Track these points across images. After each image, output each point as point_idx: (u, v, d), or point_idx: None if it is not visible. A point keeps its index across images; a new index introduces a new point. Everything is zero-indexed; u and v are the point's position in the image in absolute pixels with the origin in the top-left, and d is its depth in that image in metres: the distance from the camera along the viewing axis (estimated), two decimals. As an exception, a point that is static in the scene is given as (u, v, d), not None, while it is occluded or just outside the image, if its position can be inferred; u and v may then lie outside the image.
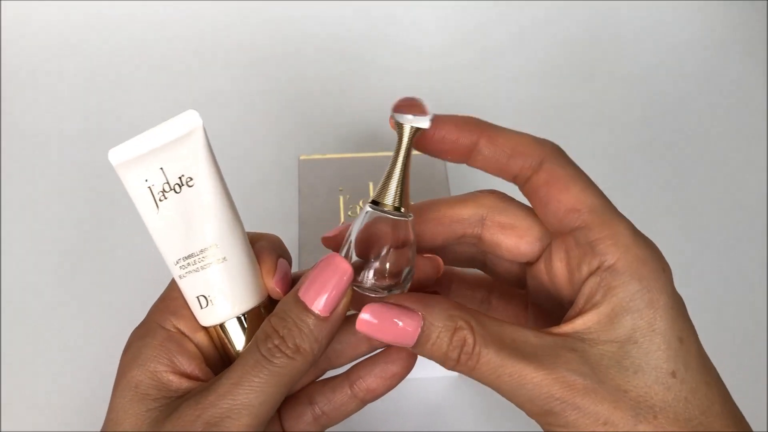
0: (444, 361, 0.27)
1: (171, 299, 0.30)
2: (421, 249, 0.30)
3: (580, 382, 0.25)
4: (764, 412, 0.45)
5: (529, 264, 0.30)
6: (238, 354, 0.30)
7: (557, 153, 0.28)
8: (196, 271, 0.30)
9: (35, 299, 0.52)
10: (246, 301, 0.30)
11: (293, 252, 0.36)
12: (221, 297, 0.30)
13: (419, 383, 0.47)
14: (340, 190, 0.46)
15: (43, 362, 0.49)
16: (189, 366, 0.29)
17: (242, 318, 0.30)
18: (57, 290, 0.52)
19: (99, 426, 0.29)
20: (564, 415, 0.25)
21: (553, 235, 0.29)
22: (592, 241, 0.26)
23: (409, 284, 0.28)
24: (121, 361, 0.29)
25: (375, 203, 0.27)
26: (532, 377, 0.25)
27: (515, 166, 0.28)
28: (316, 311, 0.27)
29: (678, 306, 0.26)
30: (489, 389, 0.46)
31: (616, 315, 0.26)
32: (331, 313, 0.27)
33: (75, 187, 0.58)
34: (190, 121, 0.29)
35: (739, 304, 0.51)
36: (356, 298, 0.28)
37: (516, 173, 0.28)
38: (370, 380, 0.32)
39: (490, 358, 0.25)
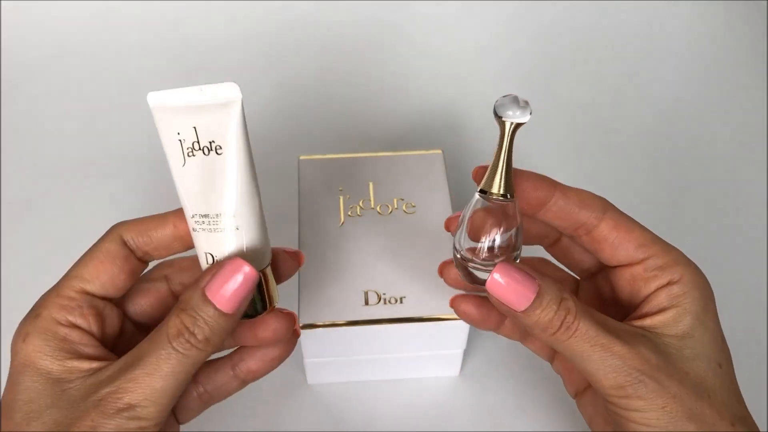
0: (545, 328, 0.30)
1: (62, 295, 0.32)
2: (540, 234, 0.36)
3: (654, 359, 0.30)
4: (764, 412, 0.45)
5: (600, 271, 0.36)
6: None
7: (611, 204, 0.33)
8: (210, 231, 0.31)
9: (35, 298, 0.52)
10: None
11: (293, 252, 0.36)
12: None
13: (419, 383, 0.47)
14: (340, 190, 0.46)
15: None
16: (92, 351, 0.32)
17: None
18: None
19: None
20: (643, 385, 0.29)
21: (613, 267, 0.34)
22: (661, 265, 0.32)
23: (517, 262, 0.32)
24: (21, 350, 0.31)
25: (483, 192, 0.31)
26: (618, 350, 0.30)
27: (584, 216, 0.33)
28: (224, 311, 0.30)
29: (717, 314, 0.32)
30: (488, 390, 0.47)
31: (680, 315, 0.31)
32: (236, 309, 0.31)
33: (75, 187, 0.58)
34: (230, 93, 0.30)
35: (740, 304, 0.51)
36: (469, 276, 0.32)
37: (584, 222, 0.33)
38: (252, 362, 0.35)
39: (588, 329, 0.30)
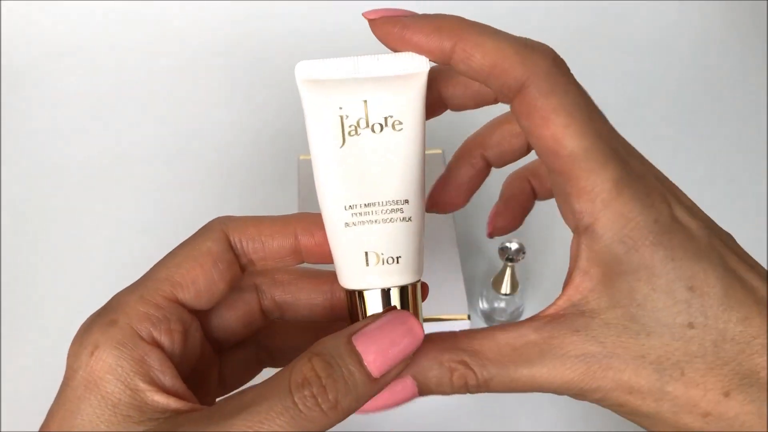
0: (459, 393, 0.26)
1: (147, 300, 0.25)
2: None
3: (594, 363, 0.24)
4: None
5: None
6: None
7: (544, 74, 0.24)
8: (374, 222, 0.26)
9: (36, 298, 0.52)
10: (416, 273, 0.27)
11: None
12: (398, 259, 0.26)
13: (419, 383, 0.47)
14: (340, 190, 0.46)
15: (43, 362, 0.49)
16: (170, 381, 0.25)
17: (391, 291, 0.26)
18: (58, 289, 0.52)
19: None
20: (591, 396, 0.24)
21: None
22: (568, 194, 0.23)
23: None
24: (86, 365, 0.24)
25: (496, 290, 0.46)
26: (546, 377, 0.24)
27: (494, 87, 0.24)
28: (370, 370, 0.23)
29: (683, 249, 0.24)
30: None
31: (610, 280, 0.23)
32: (383, 376, 0.24)
33: (75, 187, 0.58)
34: (417, 63, 0.26)
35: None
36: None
37: (495, 96, 0.25)
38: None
39: (499, 379, 0.25)
